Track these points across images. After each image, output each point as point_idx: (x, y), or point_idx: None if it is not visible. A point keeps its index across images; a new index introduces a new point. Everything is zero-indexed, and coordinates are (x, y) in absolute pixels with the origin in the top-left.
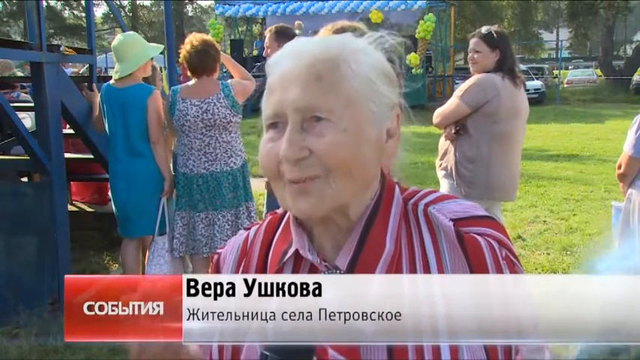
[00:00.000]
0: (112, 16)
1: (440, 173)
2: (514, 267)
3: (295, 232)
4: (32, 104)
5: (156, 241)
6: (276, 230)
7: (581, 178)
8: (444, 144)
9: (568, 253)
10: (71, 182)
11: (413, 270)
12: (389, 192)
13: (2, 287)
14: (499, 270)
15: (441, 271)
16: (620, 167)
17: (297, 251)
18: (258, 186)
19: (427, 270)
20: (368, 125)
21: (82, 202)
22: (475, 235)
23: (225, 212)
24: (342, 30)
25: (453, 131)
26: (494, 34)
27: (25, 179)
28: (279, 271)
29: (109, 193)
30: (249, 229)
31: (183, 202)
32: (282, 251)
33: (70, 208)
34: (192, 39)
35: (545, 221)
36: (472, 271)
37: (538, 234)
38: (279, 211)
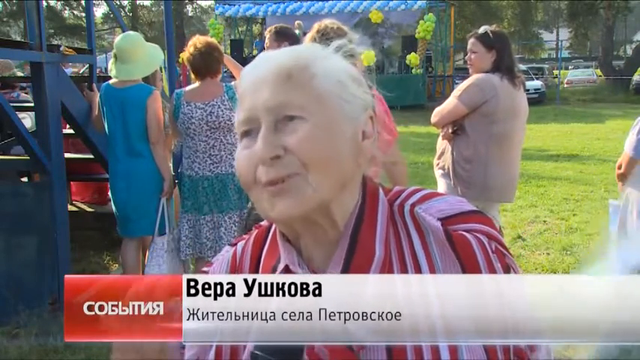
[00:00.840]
0: (112, 16)
1: (437, 173)
2: (504, 258)
3: (283, 248)
4: (32, 104)
5: (155, 242)
6: (264, 244)
7: (581, 178)
8: (441, 143)
9: (568, 253)
10: (71, 182)
11: (404, 273)
12: (373, 196)
13: (2, 287)
14: (490, 265)
15: (432, 272)
16: (620, 167)
17: (287, 266)
18: None
19: (418, 272)
20: (341, 121)
21: (82, 202)
22: (463, 233)
23: (232, 214)
24: (325, 29)
25: (450, 131)
26: (491, 35)
27: (25, 179)
28: None
29: (109, 193)
30: (236, 244)
31: (189, 204)
32: (271, 267)
33: (70, 208)
34: (196, 41)
35: (545, 221)
36: (464, 270)
37: (538, 234)
38: (264, 223)
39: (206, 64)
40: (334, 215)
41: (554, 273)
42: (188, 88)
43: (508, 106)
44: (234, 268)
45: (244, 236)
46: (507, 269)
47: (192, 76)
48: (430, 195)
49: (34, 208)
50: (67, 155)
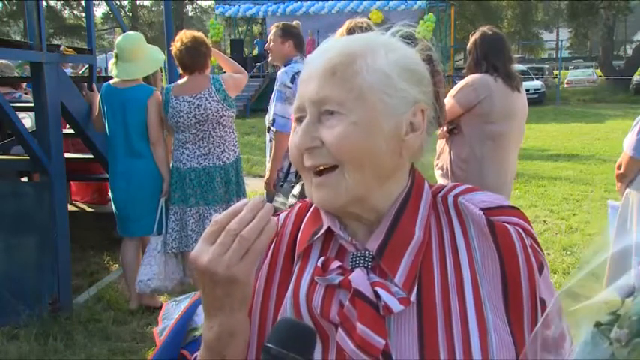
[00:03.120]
0: (112, 16)
1: (437, 173)
2: (538, 255)
3: (326, 215)
4: (32, 104)
5: (150, 242)
6: (306, 214)
7: (581, 178)
8: (440, 144)
9: (568, 253)
10: (71, 182)
11: (442, 257)
12: (418, 186)
13: (2, 287)
14: (527, 257)
15: (470, 258)
16: (619, 167)
17: (326, 233)
18: (258, 185)
19: (456, 258)
20: (381, 117)
21: (82, 202)
22: (504, 224)
23: (217, 207)
24: (353, 30)
25: (445, 129)
26: (473, 39)
27: (25, 179)
28: (308, 249)
29: (109, 193)
30: (278, 215)
31: (176, 197)
32: (311, 232)
33: (70, 208)
34: (182, 36)
35: (545, 221)
36: (501, 257)
37: (538, 234)
38: (309, 199)
39: (193, 58)
40: (375, 205)
41: (554, 273)
42: (176, 82)
43: (503, 107)
44: (275, 234)
45: (287, 209)
46: (541, 266)
47: (180, 70)
48: (472, 189)
49: (34, 208)
50: (67, 155)
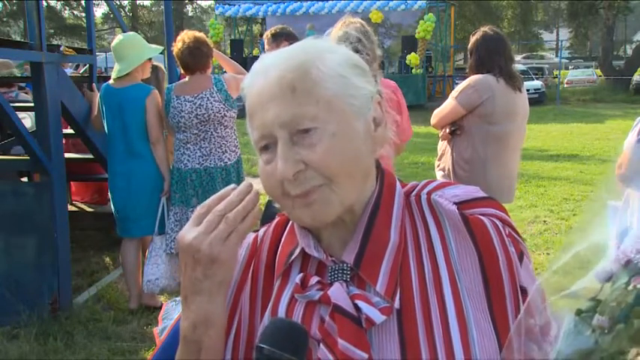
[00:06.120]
0: (112, 16)
1: (438, 174)
2: (518, 244)
3: (300, 233)
4: (32, 104)
5: (154, 241)
6: (284, 231)
7: (581, 178)
8: (442, 145)
9: None
10: (71, 182)
11: (419, 259)
12: (390, 186)
13: (2, 287)
14: (505, 247)
15: (447, 255)
16: (620, 167)
17: (303, 249)
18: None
19: (433, 257)
20: (353, 120)
21: (82, 202)
22: (479, 216)
23: None
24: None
25: (447, 131)
26: (474, 39)
27: (25, 179)
28: (287, 271)
29: (109, 193)
30: (258, 231)
31: (177, 197)
32: (288, 252)
33: (70, 208)
34: (184, 36)
35: (545, 221)
36: (479, 251)
37: (538, 234)
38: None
39: (195, 59)
40: (354, 207)
41: None
42: (178, 82)
43: (505, 107)
44: (254, 251)
45: (267, 224)
46: (521, 255)
47: (182, 70)
48: (445, 183)
49: (34, 208)
50: (67, 155)
